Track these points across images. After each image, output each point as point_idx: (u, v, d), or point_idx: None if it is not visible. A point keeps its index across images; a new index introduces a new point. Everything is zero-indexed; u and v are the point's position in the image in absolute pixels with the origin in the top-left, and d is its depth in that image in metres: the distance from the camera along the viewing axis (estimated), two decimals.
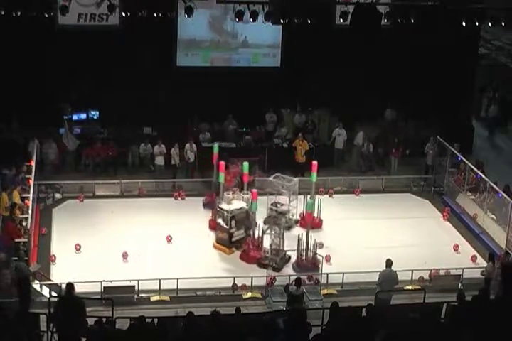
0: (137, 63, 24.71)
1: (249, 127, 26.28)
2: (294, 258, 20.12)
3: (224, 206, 20.93)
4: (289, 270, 19.83)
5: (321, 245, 19.89)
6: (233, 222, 20.51)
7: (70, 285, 15.00)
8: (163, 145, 24.33)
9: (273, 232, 20.11)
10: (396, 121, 27.37)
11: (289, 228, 21.18)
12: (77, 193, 23.27)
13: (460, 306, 14.44)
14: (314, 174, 21.81)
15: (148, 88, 24.84)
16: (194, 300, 18.31)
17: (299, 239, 19.89)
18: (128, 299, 17.99)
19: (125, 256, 19.86)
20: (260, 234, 20.31)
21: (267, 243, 20.23)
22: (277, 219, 20.19)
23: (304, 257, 19.94)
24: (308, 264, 19.79)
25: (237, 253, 20.58)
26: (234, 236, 20.62)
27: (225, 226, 20.59)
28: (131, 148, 24.86)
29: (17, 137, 24.38)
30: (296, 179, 21.62)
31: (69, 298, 14.91)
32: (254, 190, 20.52)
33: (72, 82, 24.42)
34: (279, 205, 20.82)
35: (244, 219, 20.76)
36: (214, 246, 20.88)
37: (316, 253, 19.82)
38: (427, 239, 21.76)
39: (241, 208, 20.85)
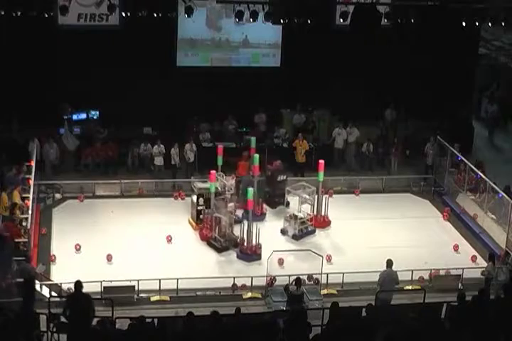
0: (137, 63, 24.69)
1: (249, 127, 26.29)
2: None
3: (196, 184, 21.96)
4: (234, 254, 20.49)
5: (281, 261, 19.93)
6: (201, 200, 21.51)
7: (79, 283, 15.23)
8: (162, 146, 24.33)
9: (222, 215, 20.70)
10: (396, 121, 27.37)
11: (312, 232, 21.72)
12: (77, 193, 23.28)
13: (460, 306, 14.45)
14: (321, 173, 21.88)
15: (148, 88, 24.83)
16: (194, 300, 18.31)
17: (242, 226, 20.54)
18: (128, 299, 18.00)
19: (109, 258, 19.82)
20: (215, 215, 20.88)
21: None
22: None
23: (245, 244, 20.39)
24: (247, 251, 20.28)
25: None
26: (202, 214, 21.56)
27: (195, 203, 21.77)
28: (131, 148, 24.86)
29: (17, 137, 24.40)
30: (313, 188, 21.87)
31: (79, 296, 15.14)
32: (213, 172, 20.99)
33: (72, 82, 24.39)
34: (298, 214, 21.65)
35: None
36: (188, 221, 21.94)
37: (258, 243, 20.32)
38: (427, 239, 21.75)
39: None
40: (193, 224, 21.82)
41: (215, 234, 20.82)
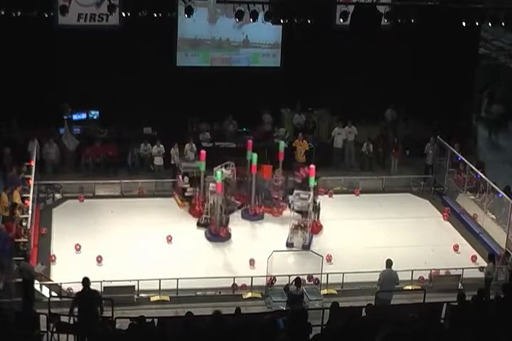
0: (137, 63, 24.70)
1: (249, 127, 26.30)
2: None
3: (182, 163, 23.17)
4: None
5: (252, 262, 19.89)
6: (186, 178, 22.81)
7: (87, 280, 15.41)
8: (161, 146, 24.35)
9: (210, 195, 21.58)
10: (396, 121, 27.37)
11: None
12: (77, 193, 23.29)
13: (460, 306, 14.44)
14: (312, 178, 21.58)
15: (148, 88, 24.83)
16: (194, 300, 18.32)
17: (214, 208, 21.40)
18: (128, 299, 18.00)
19: (99, 259, 19.76)
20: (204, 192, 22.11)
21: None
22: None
23: (215, 226, 21.24)
24: (213, 231, 21.26)
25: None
26: (187, 192, 22.79)
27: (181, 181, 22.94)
28: (131, 148, 24.84)
29: (17, 137, 24.39)
30: (311, 193, 21.68)
31: (87, 292, 15.40)
32: (203, 151, 21.99)
33: (72, 82, 24.39)
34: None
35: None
36: (175, 199, 23.19)
37: (227, 226, 21.38)
38: (427, 239, 21.74)
39: (197, 168, 22.68)
40: (179, 201, 22.88)
41: (202, 209, 21.88)
